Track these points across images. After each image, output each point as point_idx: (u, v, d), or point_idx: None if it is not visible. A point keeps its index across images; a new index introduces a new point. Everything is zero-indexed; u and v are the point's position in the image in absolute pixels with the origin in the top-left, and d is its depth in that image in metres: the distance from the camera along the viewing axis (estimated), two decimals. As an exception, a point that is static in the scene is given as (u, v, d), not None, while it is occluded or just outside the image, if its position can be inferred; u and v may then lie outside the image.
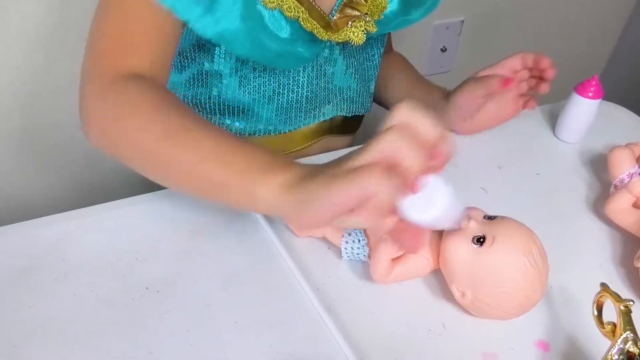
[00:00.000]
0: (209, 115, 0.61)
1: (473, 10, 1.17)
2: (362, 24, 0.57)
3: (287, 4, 0.51)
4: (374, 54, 0.66)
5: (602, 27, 1.36)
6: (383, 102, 0.75)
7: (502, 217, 0.44)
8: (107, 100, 0.45)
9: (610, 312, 0.39)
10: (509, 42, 1.25)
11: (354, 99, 0.66)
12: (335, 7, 0.56)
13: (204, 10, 0.47)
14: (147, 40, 0.47)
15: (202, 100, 0.60)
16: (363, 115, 0.71)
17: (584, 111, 0.62)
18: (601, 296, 0.41)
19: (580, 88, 0.62)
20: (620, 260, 0.51)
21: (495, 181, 0.59)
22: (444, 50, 1.20)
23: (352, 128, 0.70)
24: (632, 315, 0.38)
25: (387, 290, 0.47)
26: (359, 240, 0.47)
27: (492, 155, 0.62)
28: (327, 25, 0.55)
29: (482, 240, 0.42)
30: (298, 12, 0.52)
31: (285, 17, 0.52)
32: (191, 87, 0.60)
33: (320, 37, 0.55)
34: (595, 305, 0.41)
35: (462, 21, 1.17)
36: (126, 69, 0.45)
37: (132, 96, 0.44)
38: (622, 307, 0.39)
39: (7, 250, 0.47)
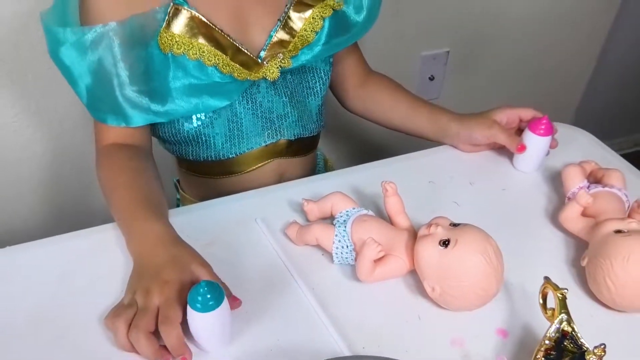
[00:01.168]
0: (171, 146, 0.73)
1: (457, 41, 1.27)
2: (277, 61, 0.67)
3: (206, 54, 0.63)
4: (315, 82, 0.74)
5: (578, 55, 1.46)
6: (386, 125, 0.83)
7: (465, 224, 0.53)
8: (101, 162, 0.66)
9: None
10: (492, 70, 1.36)
11: (294, 124, 0.74)
12: (264, 47, 0.67)
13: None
14: (124, 135, 0.67)
15: (166, 133, 0.70)
16: (314, 137, 0.79)
17: (535, 146, 0.69)
18: (545, 287, 0.49)
19: (532, 125, 0.69)
20: (572, 262, 0.60)
21: (467, 196, 0.67)
22: (432, 78, 1.30)
23: (302, 150, 0.78)
24: (568, 302, 0.47)
25: (371, 288, 0.56)
26: (347, 246, 0.56)
27: (465, 173, 0.71)
28: (255, 64, 0.66)
29: (447, 243, 0.51)
30: (217, 59, 0.64)
31: (205, 65, 0.63)
32: (157, 125, 0.70)
33: (238, 78, 0.65)
34: (540, 294, 0.50)
35: (448, 52, 1.27)
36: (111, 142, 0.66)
37: (106, 167, 0.64)
38: (559, 295, 0.47)
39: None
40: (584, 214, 0.61)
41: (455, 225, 0.53)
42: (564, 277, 0.58)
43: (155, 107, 0.64)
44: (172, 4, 0.62)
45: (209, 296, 0.46)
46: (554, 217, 0.64)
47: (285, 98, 0.72)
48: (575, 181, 0.64)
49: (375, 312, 0.54)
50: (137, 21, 0.60)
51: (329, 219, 0.60)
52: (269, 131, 0.72)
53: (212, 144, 0.70)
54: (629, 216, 0.59)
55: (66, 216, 1.07)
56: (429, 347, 0.51)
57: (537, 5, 1.29)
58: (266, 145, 0.73)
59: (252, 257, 0.58)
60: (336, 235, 0.56)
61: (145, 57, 0.62)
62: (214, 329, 0.48)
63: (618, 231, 0.55)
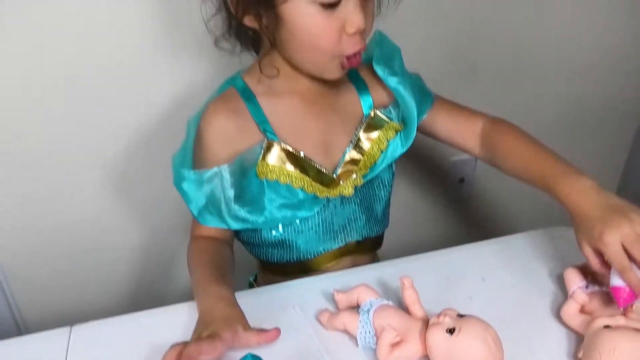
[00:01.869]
0: (256, 249, 0.87)
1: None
2: (351, 180, 0.81)
3: (294, 179, 0.78)
4: (380, 190, 0.87)
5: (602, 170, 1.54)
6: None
7: (470, 315, 0.63)
8: (192, 247, 0.81)
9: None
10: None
11: (362, 227, 0.87)
12: (339, 164, 0.81)
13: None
14: (213, 231, 0.82)
15: (254, 238, 0.85)
16: (379, 235, 0.91)
17: None
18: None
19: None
20: (572, 355, 0.66)
21: (479, 290, 0.77)
22: (462, 181, 1.41)
23: (369, 248, 0.90)
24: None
25: (390, 369, 0.65)
26: (369, 332, 0.66)
27: (477, 270, 0.80)
28: (332, 181, 0.80)
29: (452, 330, 0.60)
30: (302, 182, 0.78)
31: (293, 187, 0.78)
32: (247, 230, 0.84)
33: (320, 196, 0.79)
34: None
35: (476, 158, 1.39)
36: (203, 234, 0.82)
37: (195, 247, 0.81)
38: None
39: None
40: (583, 311, 0.69)
41: (461, 316, 0.63)
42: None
43: (253, 218, 0.79)
44: (266, 140, 0.78)
45: None
46: (557, 314, 0.72)
47: (355, 206, 0.85)
48: (574, 281, 0.72)
49: (393, 391, 0.63)
50: (241, 158, 0.78)
51: (356, 307, 0.71)
52: (342, 234, 0.86)
53: (295, 248, 0.84)
54: (624, 315, 0.66)
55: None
56: (438, 423, 0.59)
57: (562, 112, 1.40)
58: (339, 247, 0.86)
59: (289, 338, 0.69)
60: (360, 322, 0.66)
61: (246, 183, 0.78)
62: None
63: (607, 326, 0.63)
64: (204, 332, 0.63)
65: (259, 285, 0.96)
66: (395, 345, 0.64)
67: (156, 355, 0.62)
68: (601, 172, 1.55)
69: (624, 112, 1.48)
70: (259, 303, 0.75)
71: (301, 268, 0.85)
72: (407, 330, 0.65)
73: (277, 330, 0.66)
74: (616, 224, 0.62)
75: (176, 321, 0.71)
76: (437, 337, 0.61)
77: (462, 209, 1.46)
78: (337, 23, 0.69)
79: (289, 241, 0.83)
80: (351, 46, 0.72)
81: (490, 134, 0.85)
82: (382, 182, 0.87)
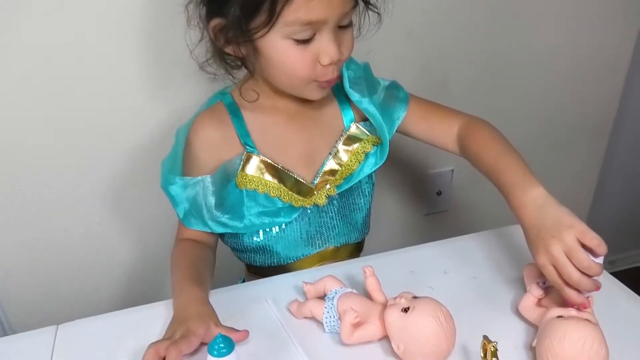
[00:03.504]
0: (241, 254, 0.92)
1: (460, 161, 1.45)
2: (324, 191, 0.87)
3: (271, 189, 0.84)
4: (360, 199, 0.92)
5: (577, 180, 1.60)
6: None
7: (424, 297, 0.68)
8: (175, 249, 0.87)
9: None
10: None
11: (340, 234, 0.92)
12: (318, 174, 0.87)
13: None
14: (197, 235, 0.88)
15: (237, 244, 0.90)
16: (359, 242, 0.97)
17: None
18: (484, 343, 0.62)
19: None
20: (528, 345, 0.70)
21: (441, 282, 0.82)
22: (439, 193, 1.47)
23: (348, 254, 0.95)
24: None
25: (354, 350, 0.70)
26: (334, 316, 0.71)
27: (441, 263, 0.86)
28: (309, 190, 0.86)
29: (407, 309, 0.66)
30: (279, 192, 0.85)
31: (270, 196, 0.85)
32: (230, 236, 0.90)
33: (295, 205, 0.85)
34: (482, 350, 0.63)
35: (452, 170, 1.46)
36: (187, 237, 0.88)
37: (178, 249, 0.87)
38: (491, 347, 0.60)
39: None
40: (539, 305, 0.73)
41: (416, 297, 0.68)
42: (520, 356, 0.69)
43: (233, 224, 0.85)
44: (245, 152, 0.84)
45: (222, 345, 0.62)
46: (516, 304, 0.75)
47: (333, 214, 0.90)
48: (532, 278, 0.76)
49: (357, 370, 0.68)
50: (223, 167, 0.85)
51: (323, 297, 0.76)
52: (319, 241, 0.91)
53: (275, 253, 0.89)
54: (577, 309, 0.68)
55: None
56: (396, 396, 0.64)
57: (532, 128, 1.46)
58: (318, 252, 0.91)
59: (261, 328, 0.74)
60: (325, 308, 0.72)
61: (226, 192, 0.84)
62: None
63: (559, 317, 0.67)
64: (179, 329, 0.68)
65: None
66: (356, 326, 0.69)
67: (141, 352, 0.66)
68: (575, 184, 1.61)
69: (596, 126, 1.55)
70: (236, 298, 0.80)
71: (282, 272, 0.90)
72: (368, 312, 0.70)
73: (247, 332, 0.71)
74: (545, 245, 0.66)
75: (160, 318, 0.76)
76: (393, 316, 0.66)
77: (440, 220, 1.51)
78: (312, 55, 0.75)
79: (269, 247, 0.89)
80: (325, 74, 0.77)
81: (464, 134, 0.87)
82: (362, 192, 0.92)
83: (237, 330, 0.70)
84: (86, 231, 1.16)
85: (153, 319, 0.76)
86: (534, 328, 0.72)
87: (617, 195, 1.77)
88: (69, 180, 1.10)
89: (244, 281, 1.04)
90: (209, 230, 0.86)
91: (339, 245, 0.93)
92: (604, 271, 0.74)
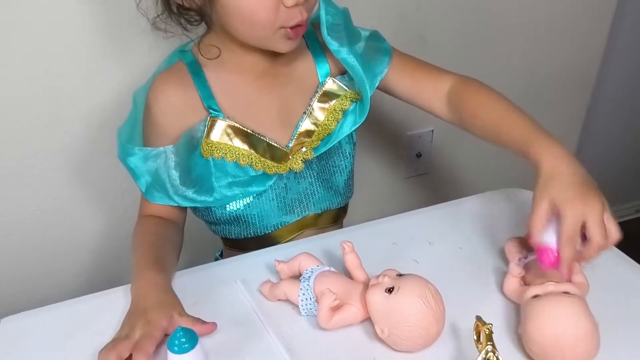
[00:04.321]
0: (216, 226, 0.84)
1: (440, 121, 1.38)
2: (300, 155, 0.78)
3: (241, 156, 0.75)
4: (341, 161, 0.84)
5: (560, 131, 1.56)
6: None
7: (409, 274, 0.61)
8: (137, 226, 0.79)
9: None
10: (475, 145, 1.46)
11: (321, 200, 0.84)
12: (292, 136, 0.78)
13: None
14: (162, 210, 0.80)
15: (208, 216, 0.82)
16: (341, 207, 0.89)
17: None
18: (477, 325, 0.56)
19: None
20: (515, 316, 0.65)
21: (426, 254, 0.75)
22: (419, 155, 1.41)
23: (330, 220, 0.88)
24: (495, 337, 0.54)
25: (334, 335, 0.63)
26: (310, 298, 0.64)
27: (425, 234, 0.79)
28: (284, 155, 0.78)
29: (391, 290, 0.59)
30: (250, 159, 0.76)
31: (241, 165, 0.76)
32: (201, 208, 0.82)
33: (269, 173, 0.77)
34: (474, 331, 0.57)
35: (432, 131, 1.39)
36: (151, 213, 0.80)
37: (139, 227, 0.78)
38: (485, 330, 0.54)
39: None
40: (524, 282, 0.66)
41: (401, 275, 0.61)
42: (505, 340, 0.62)
43: (203, 198, 0.77)
44: (209, 116, 0.75)
45: (184, 340, 0.54)
46: (503, 274, 0.69)
47: (312, 179, 0.82)
48: (514, 255, 0.69)
49: (336, 356, 0.61)
50: (186, 136, 0.75)
51: (298, 277, 0.69)
52: (298, 209, 0.83)
53: (250, 224, 0.82)
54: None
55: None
56: (381, 384, 0.58)
57: (514, 85, 1.40)
58: (297, 220, 0.84)
59: (230, 313, 0.67)
60: (301, 289, 0.65)
61: (192, 164, 0.76)
62: None
63: (536, 296, 0.61)
64: (138, 322, 0.61)
65: None
66: (335, 309, 0.62)
67: (95, 349, 0.60)
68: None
69: (578, 80, 1.49)
70: (202, 280, 0.72)
71: (261, 243, 0.82)
72: (348, 293, 0.63)
73: (214, 324, 0.63)
74: (591, 203, 0.60)
75: (117, 308, 0.68)
76: (376, 297, 0.59)
77: (422, 184, 1.45)
78: None
79: (244, 217, 0.80)
80: (291, 18, 0.68)
81: (458, 93, 0.79)
82: (342, 153, 0.84)
83: (203, 322, 0.63)
84: (39, 208, 1.06)
85: (109, 309, 0.68)
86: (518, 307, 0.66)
87: (598, 152, 1.74)
88: (16, 153, 0.99)
89: (221, 254, 0.97)
90: (175, 204, 0.78)
91: (320, 212, 0.85)
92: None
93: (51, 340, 0.65)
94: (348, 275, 0.67)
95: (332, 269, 0.67)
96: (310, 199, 0.83)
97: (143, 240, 0.75)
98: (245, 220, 0.81)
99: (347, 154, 0.85)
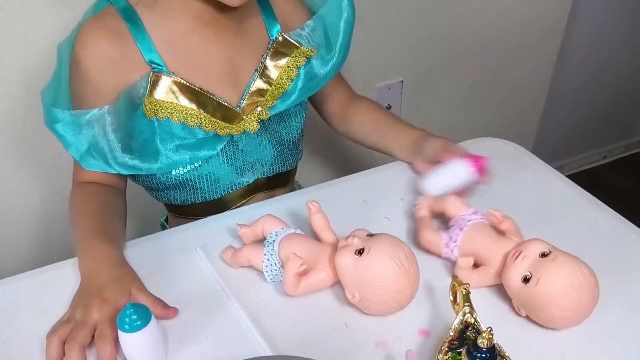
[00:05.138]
0: (158, 192, 0.77)
1: (410, 71, 1.33)
2: (255, 115, 0.72)
3: (189, 116, 0.68)
4: (292, 121, 0.79)
5: (530, 80, 1.52)
6: (368, 146, 0.86)
7: (380, 234, 0.57)
8: (74, 195, 0.72)
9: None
10: (446, 96, 1.42)
11: (273, 163, 0.79)
12: (244, 96, 0.72)
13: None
14: (99, 176, 0.72)
15: (150, 182, 0.75)
16: (291, 170, 0.84)
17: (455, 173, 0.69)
18: (453, 285, 0.53)
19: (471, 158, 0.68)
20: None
21: (398, 211, 0.71)
22: (389, 107, 1.35)
23: (281, 183, 0.82)
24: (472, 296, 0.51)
25: (301, 301, 0.59)
26: (275, 264, 0.60)
27: (396, 190, 0.75)
28: (236, 115, 0.71)
29: (361, 251, 0.55)
30: (199, 119, 0.69)
31: (189, 126, 0.69)
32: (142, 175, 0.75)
33: (220, 134, 0.70)
34: (450, 292, 0.53)
35: (402, 81, 1.34)
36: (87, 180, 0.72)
37: (77, 197, 0.71)
38: (462, 290, 0.51)
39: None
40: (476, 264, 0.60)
41: (371, 235, 0.57)
42: (484, 294, 0.60)
43: (147, 165, 0.70)
44: (152, 72, 0.67)
45: (135, 317, 0.49)
46: None
47: (265, 141, 0.76)
48: (439, 244, 0.63)
49: (305, 323, 0.57)
50: (125, 94, 0.67)
51: (262, 241, 0.64)
52: (250, 172, 0.77)
53: (199, 188, 0.75)
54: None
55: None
56: (353, 351, 0.54)
57: (485, 33, 1.36)
58: (248, 184, 0.78)
59: (190, 283, 0.62)
60: (265, 255, 0.60)
61: (133, 126, 0.68)
62: (144, 349, 0.51)
63: (526, 279, 0.54)
64: (93, 303, 0.55)
65: (170, 226, 0.88)
66: (302, 274, 0.58)
67: (37, 322, 0.55)
68: (528, 85, 1.54)
69: (546, 31, 1.45)
70: (157, 249, 0.67)
71: (209, 209, 0.77)
72: (315, 257, 0.59)
73: (175, 310, 0.58)
74: (444, 140, 0.74)
75: (67, 283, 0.62)
76: (346, 260, 0.55)
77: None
78: None
79: (190, 181, 0.74)
80: None
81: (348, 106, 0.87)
82: (293, 114, 0.79)
83: (164, 305, 0.57)
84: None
85: (56, 284, 0.62)
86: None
87: (568, 98, 1.72)
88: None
89: (166, 220, 0.90)
90: (116, 173, 0.71)
91: (271, 175, 0.80)
92: (558, 173, 0.78)
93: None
94: (315, 237, 0.62)
95: (298, 231, 0.63)
96: (263, 161, 0.78)
97: (84, 210, 0.68)
98: (192, 185, 0.75)
99: (298, 113, 0.80)
